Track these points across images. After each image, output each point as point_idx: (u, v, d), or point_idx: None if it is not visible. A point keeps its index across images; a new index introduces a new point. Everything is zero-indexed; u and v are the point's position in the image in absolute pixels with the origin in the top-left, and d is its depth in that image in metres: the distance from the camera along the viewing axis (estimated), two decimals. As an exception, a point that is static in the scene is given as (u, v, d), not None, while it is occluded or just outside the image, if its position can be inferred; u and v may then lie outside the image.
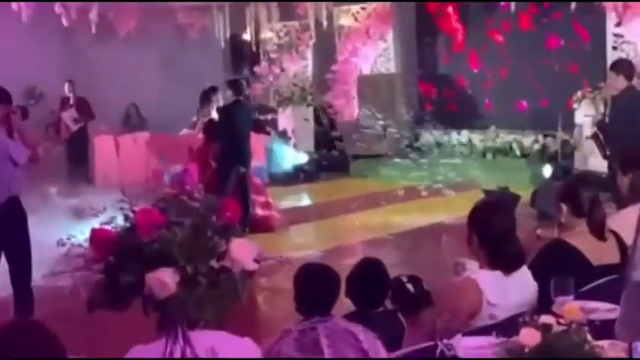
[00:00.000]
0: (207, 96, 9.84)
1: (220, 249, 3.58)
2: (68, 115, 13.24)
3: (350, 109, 14.97)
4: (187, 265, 3.51)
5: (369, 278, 3.71)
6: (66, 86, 13.32)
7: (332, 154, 14.63)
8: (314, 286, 3.33)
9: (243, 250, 3.57)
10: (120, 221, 3.88)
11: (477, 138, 13.88)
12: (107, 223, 3.81)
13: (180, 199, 3.70)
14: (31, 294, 5.55)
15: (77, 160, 13.19)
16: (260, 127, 10.30)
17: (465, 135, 14.07)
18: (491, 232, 3.39)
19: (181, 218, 3.64)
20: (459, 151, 13.96)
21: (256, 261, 3.63)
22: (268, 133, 10.92)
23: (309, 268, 3.54)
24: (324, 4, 14.36)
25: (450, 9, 13.96)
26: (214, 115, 9.52)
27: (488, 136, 13.71)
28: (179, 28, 15.90)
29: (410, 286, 3.82)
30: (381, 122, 14.20)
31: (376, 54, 15.01)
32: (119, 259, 3.57)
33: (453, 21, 13.91)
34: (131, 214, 3.83)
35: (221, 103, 9.69)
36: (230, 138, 9.00)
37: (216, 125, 9.26)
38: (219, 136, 9.10)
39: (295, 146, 14.37)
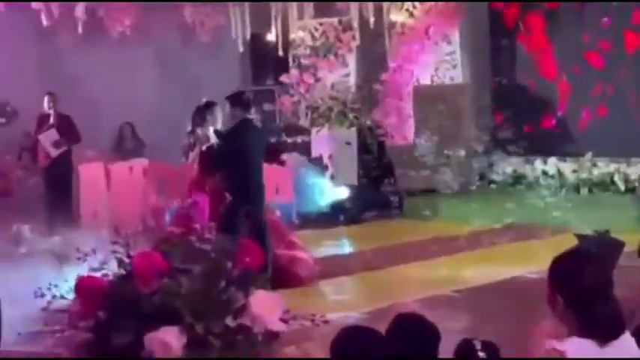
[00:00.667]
0: (201, 115, 9.73)
1: (237, 303, 3.67)
2: (47, 138, 13.32)
3: (404, 130, 15.04)
4: (196, 323, 3.61)
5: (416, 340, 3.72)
6: (45, 100, 13.37)
7: (380, 189, 14.67)
8: (356, 355, 3.35)
9: (266, 306, 3.66)
10: (113, 267, 4.01)
11: (568, 168, 13.83)
12: (97, 269, 3.94)
13: (187, 241, 3.82)
14: None
15: (58, 192, 13.26)
16: (272, 156, 10.28)
17: (552, 164, 14.03)
18: (580, 291, 3.41)
19: (189, 264, 3.76)
20: (544, 184, 13.91)
21: (283, 320, 3.72)
22: (283, 163, 10.86)
23: (351, 333, 3.57)
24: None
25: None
26: (213, 139, 9.53)
27: (582, 165, 13.66)
28: (186, 28, 16.12)
29: (483, 355, 3.86)
30: (444, 148, 14.23)
31: (438, 60, 15.09)
32: (111, 314, 3.68)
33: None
34: (126, 259, 3.96)
35: (219, 124, 9.67)
36: (237, 170, 9.01)
37: (217, 154, 9.27)
38: (221, 168, 9.14)
39: (333, 178, 14.43)
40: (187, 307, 3.39)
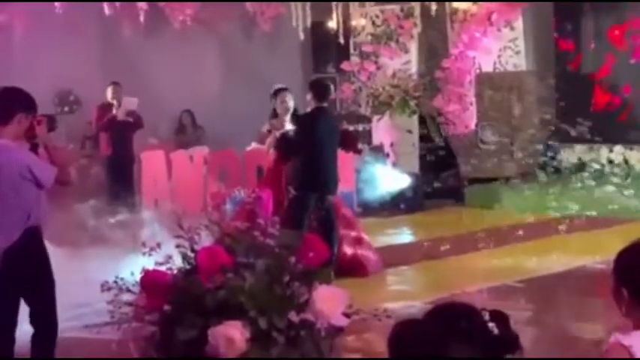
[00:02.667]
0: (272, 101, 9.80)
1: (301, 298, 3.69)
2: (129, 102, 13.41)
3: (466, 118, 14.97)
4: (260, 317, 3.63)
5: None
6: (109, 90, 13.59)
7: (442, 177, 14.63)
8: (415, 348, 3.35)
9: (330, 301, 3.67)
10: (177, 262, 4.06)
11: (635, 156, 13.66)
12: (162, 263, 4.00)
13: (251, 236, 3.85)
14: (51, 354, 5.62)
15: (120, 181, 13.43)
16: (349, 143, 10.31)
17: (618, 152, 13.88)
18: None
19: (252, 259, 3.79)
20: (610, 172, 13.76)
21: (346, 315, 3.73)
22: (360, 152, 10.93)
23: (409, 325, 3.56)
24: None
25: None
26: (289, 126, 9.61)
27: (649, 153, 13.51)
28: (246, 17, 16.21)
29: (493, 326, 3.78)
30: (507, 136, 14.13)
31: (501, 46, 14.98)
32: (176, 308, 3.73)
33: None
34: (191, 254, 4.01)
35: (291, 108, 9.70)
36: (310, 156, 9.11)
37: (292, 140, 9.37)
38: (296, 154, 9.23)
39: (394, 166, 14.43)
40: (251, 302, 3.42)
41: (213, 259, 3.60)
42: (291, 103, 9.64)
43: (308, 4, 15.15)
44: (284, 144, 9.40)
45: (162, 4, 15.35)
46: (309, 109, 9.45)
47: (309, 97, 9.38)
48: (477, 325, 3.79)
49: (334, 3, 15.21)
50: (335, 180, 9.42)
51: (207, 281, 3.55)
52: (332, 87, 10.14)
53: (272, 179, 9.32)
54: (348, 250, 9.61)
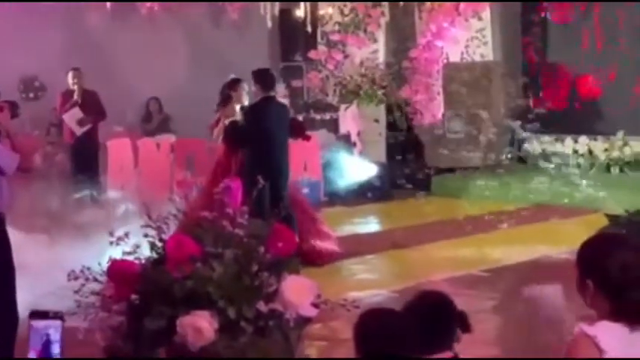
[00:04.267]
0: (226, 91, 9.71)
1: (270, 288, 3.69)
2: (71, 117, 13.12)
3: (433, 107, 15.01)
4: (228, 307, 3.63)
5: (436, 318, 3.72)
6: (69, 76, 13.27)
7: (409, 167, 14.67)
8: (380, 338, 3.36)
9: (298, 291, 3.68)
10: (145, 251, 4.05)
11: (599, 147, 13.77)
12: (130, 253, 3.98)
13: (219, 225, 3.84)
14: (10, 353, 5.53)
15: (85, 168, 13.23)
16: (298, 131, 10.21)
17: (583, 143, 13.98)
18: (613, 275, 3.40)
19: (221, 249, 3.78)
20: (575, 163, 13.86)
21: (315, 305, 3.73)
22: (308, 138, 10.81)
23: (375, 314, 3.57)
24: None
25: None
26: (238, 116, 9.53)
27: (614, 144, 13.59)
28: (214, 5, 16.13)
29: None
30: (474, 126, 14.19)
31: (468, 36, 15.02)
32: (144, 298, 3.72)
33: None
34: (159, 243, 3.99)
35: (245, 100, 9.66)
36: (259, 146, 9.04)
37: (241, 130, 9.27)
38: (244, 144, 9.15)
39: (362, 155, 14.44)
40: (219, 292, 3.41)
41: (181, 249, 3.58)
42: (247, 95, 9.62)
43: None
44: (232, 133, 9.33)
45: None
46: (256, 100, 9.38)
47: (254, 87, 9.32)
48: (443, 316, 3.83)
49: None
50: (287, 170, 9.39)
51: (176, 271, 3.54)
52: (273, 74, 10.02)
53: (222, 169, 9.25)
54: (306, 239, 9.54)
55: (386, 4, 14.99)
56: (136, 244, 3.71)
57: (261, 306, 3.40)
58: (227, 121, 9.49)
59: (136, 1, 14.88)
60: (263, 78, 9.38)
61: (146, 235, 3.74)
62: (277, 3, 15.11)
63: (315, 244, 9.61)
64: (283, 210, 9.01)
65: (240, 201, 3.86)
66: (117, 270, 3.68)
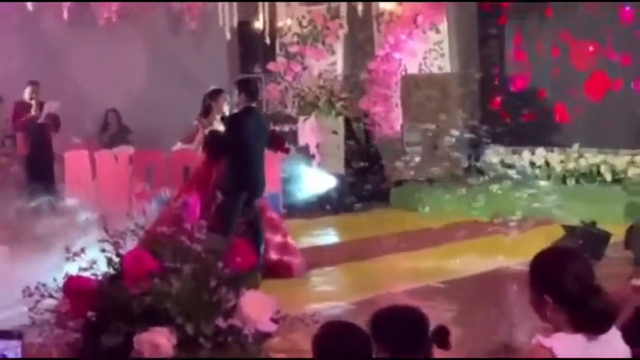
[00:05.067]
0: (206, 102, 9.72)
1: (228, 304, 3.67)
2: (50, 105, 13.26)
3: (391, 119, 15.05)
4: (187, 323, 3.60)
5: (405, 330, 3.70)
6: (27, 90, 13.34)
7: (367, 178, 14.68)
8: (338, 350, 3.36)
9: (257, 306, 3.66)
10: (102, 266, 4.00)
11: (555, 159, 13.88)
12: (86, 269, 3.93)
13: (177, 241, 3.81)
14: None
15: (40, 180, 13.09)
16: (278, 143, 10.28)
17: (540, 155, 14.08)
18: (571, 288, 3.42)
19: (179, 264, 3.75)
20: (532, 175, 13.96)
21: (274, 320, 3.72)
22: (287, 151, 10.89)
23: (333, 327, 3.57)
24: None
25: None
26: (218, 126, 9.54)
27: (570, 156, 13.71)
28: (172, 15, 16.07)
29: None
30: (432, 138, 14.24)
31: (426, 48, 15.10)
32: (101, 315, 3.67)
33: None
34: (116, 258, 3.95)
35: (226, 111, 9.69)
36: (239, 157, 9.03)
37: (222, 140, 9.30)
38: (225, 154, 9.14)
39: (320, 167, 14.43)
40: (178, 308, 3.37)
41: (139, 265, 3.54)
42: (227, 106, 9.62)
43: (235, 2, 15.09)
44: (213, 143, 9.32)
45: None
46: (239, 110, 9.35)
47: (237, 96, 9.31)
48: (407, 331, 3.82)
49: (260, 3, 15.17)
50: (263, 181, 9.38)
51: (133, 287, 3.50)
52: (261, 86, 10.07)
53: (200, 179, 9.22)
54: (273, 253, 9.58)
55: (344, 16, 15.00)
56: (92, 259, 3.66)
57: (220, 322, 3.38)
58: (207, 131, 9.48)
59: (96, 1, 14.72)
60: (247, 88, 9.34)
61: (103, 250, 3.69)
62: (236, 14, 15.07)
63: (283, 257, 9.63)
64: (252, 213, 9.07)
65: (199, 216, 3.83)
66: (73, 286, 3.63)
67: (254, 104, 9.35)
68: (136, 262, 3.53)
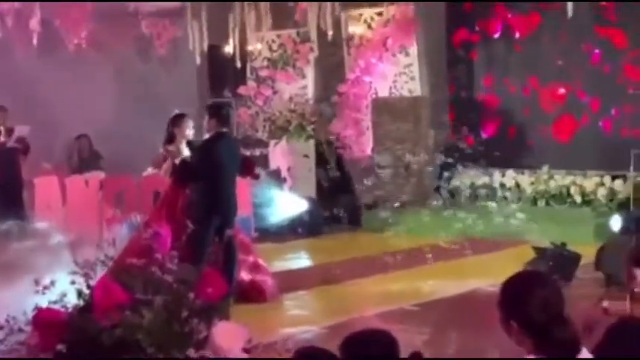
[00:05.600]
0: (170, 127, 9.45)
1: (200, 335, 3.66)
2: (20, 129, 13.17)
3: (362, 142, 15.07)
4: (158, 355, 3.59)
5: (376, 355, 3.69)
6: None
7: (339, 202, 14.68)
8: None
9: (228, 336, 3.65)
10: (72, 298, 3.96)
11: (525, 180, 13.96)
12: (56, 302, 3.89)
13: (148, 271, 3.80)
14: None
15: (9, 207, 12.97)
16: (247, 168, 10.17)
17: (510, 176, 14.16)
18: (534, 316, 3.43)
19: (150, 296, 3.73)
20: (502, 196, 14.03)
21: (246, 350, 3.71)
22: (257, 177, 10.83)
23: (305, 354, 3.54)
24: (329, 8, 14.49)
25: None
26: (186, 152, 9.42)
27: (540, 178, 13.79)
28: (142, 40, 16.05)
29: None
30: (403, 160, 14.27)
31: (396, 71, 15.15)
32: (71, 347, 3.64)
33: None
34: (86, 290, 3.92)
35: (190, 135, 9.54)
36: (211, 183, 8.91)
37: (192, 167, 9.15)
38: (196, 180, 9.03)
39: (292, 190, 14.42)
40: (149, 340, 3.35)
41: (108, 297, 3.52)
42: (191, 131, 9.49)
43: (205, 27, 15.12)
44: (185, 170, 9.22)
45: (56, 25, 15.10)
46: (207, 135, 9.24)
47: (209, 121, 9.12)
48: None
49: (231, 27, 15.18)
50: (235, 208, 9.29)
51: (103, 319, 3.47)
52: (232, 111, 9.97)
53: (168, 204, 9.15)
54: (246, 277, 9.49)
55: (314, 39, 15.05)
56: (62, 292, 3.63)
57: (192, 353, 3.36)
58: (178, 160, 9.34)
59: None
60: (218, 113, 9.16)
61: (73, 282, 3.66)
62: (206, 38, 15.08)
63: (256, 281, 9.55)
64: (225, 240, 9.00)
65: (170, 246, 3.81)
66: (42, 319, 3.59)
67: (226, 129, 9.17)
68: (106, 294, 3.50)
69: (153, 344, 3.39)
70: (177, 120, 9.47)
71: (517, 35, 14.41)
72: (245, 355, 3.43)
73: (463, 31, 14.91)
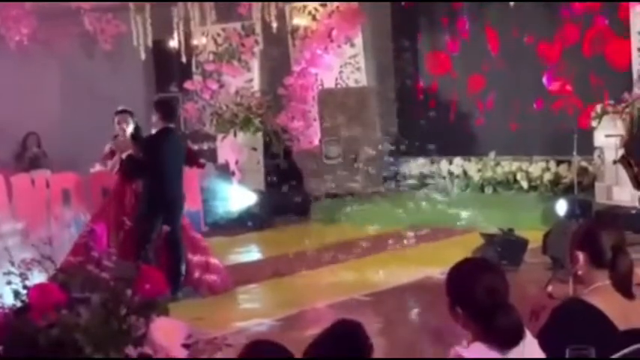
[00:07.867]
0: (115, 122, 9.57)
1: (138, 332, 3.59)
2: None
3: (310, 134, 15.05)
4: (96, 354, 3.52)
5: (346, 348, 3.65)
6: None
7: (288, 194, 14.66)
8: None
9: (168, 333, 3.59)
10: (9, 299, 3.88)
11: (472, 168, 14.04)
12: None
13: (85, 270, 3.73)
14: None
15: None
16: (192, 159, 10.18)
17: (457, 164, 14.23)
18: (478, 303, 3.44)
19: (87, 294, 3.66)
20: (450, 184, 14.09)
21: (186, 346, 3.66)
22: (203, 166, 10.81)
23: (256, 348, 3.50)
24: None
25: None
26: (132, 147, 9.38)
27: (486, 164, 13.87)
28: (86, 37, 15.88)
29: None
30: (351, 151, 14.28)
31: (342, 62, 15.15)
32: (8, 348, 3.57)
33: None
34: (23, 290, 3.84)
35: (129, 130, 9.51)
36: (155, 178, 8.94)
37: (139, 161, 9.12)
38: (143, 175, 9.05)
39: (240, 183, 14.37)
40: (87, 339, 3.29)
41: (45, 297, 3.45)
42: (129, 126, 9.46)
43: (149, 22, 15.00)
44: (131, 166, 9.21)
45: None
46: (154, 130, 9.25)
47: (155, 117, 9.18)
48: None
49: (175, 22, 15.08)
50: (180, 203, 9.29)
51: (40, 319, 3.40)
52: (178, 106, 9.98)
53: (117, 200, 9.19)
54: (197, 272, 9.48)
55: (259, 32, 15.00)
56: (-1, 292, 3.58)
57: (130, 350, 3.31)
58: (125, 155, 9.32)
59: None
60: (164, 108, 9.23)
61: (9, 283, 3.59)
62: (150, 33, 14.96)
63: (206, 275, 9.51)
64: (172, 234, 8.97)
65: (107, 243, 3.74)
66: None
67: (171, 124, 9.24)
68: (42, 294, 3.43)
69: (91, 343, 3.33)
70: (118, 115, 9.51)
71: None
72: (184, 351, 3.38)
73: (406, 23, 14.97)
